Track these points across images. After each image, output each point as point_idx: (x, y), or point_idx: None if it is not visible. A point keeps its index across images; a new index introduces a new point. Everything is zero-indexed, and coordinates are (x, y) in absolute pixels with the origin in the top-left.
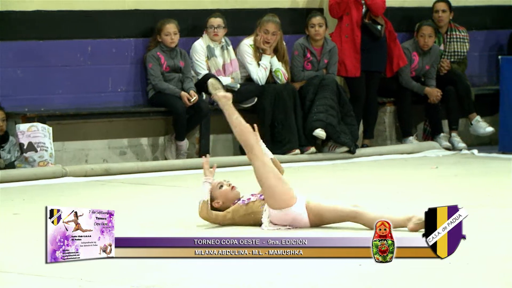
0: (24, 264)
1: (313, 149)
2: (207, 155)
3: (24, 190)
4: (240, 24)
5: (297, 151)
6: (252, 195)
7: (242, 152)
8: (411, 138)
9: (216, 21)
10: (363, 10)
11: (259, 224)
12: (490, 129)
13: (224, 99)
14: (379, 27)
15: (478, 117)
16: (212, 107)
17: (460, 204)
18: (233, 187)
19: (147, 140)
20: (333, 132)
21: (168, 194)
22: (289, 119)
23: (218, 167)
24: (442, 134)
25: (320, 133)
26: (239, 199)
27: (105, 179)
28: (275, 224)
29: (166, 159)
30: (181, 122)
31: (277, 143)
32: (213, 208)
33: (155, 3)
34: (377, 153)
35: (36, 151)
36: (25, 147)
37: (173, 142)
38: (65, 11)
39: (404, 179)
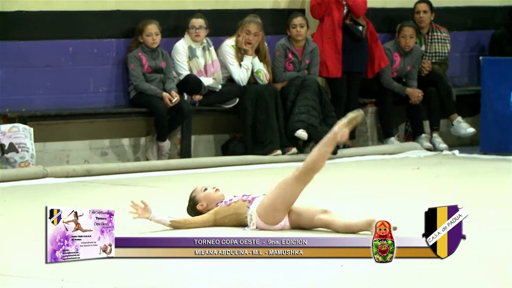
0: (14, 264)
1: (294, 149)
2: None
3: (5, 191)
4: (221, 24)
5: (279, 151)
6: (234, 196)
7: (223, 153)
8: (392, 138)
9: (198, 21)
10: (345, 11)
11: (242, 224)
12: (471, 130)
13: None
14: (360, 28)
15: (459, 118)
16: (193, 108)
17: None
18: (217, 189)
19: (128, 141)
20: (314, 132)
21: (149, 195)
22: (270, 120)
23: (199, 168)
24: (423, 135)
25: (301, 133)
26: (221, 202)
27: (86, 180)
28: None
29: (147, 159)
30: (163, 122)
31: (259, 144)
32: (196, 212)
33: (136, 4)
34: (359, 154)
35: (17, 152)
36: (6, 147)
37: (154, 143)
38: (46, 12)
39: (386, 179)
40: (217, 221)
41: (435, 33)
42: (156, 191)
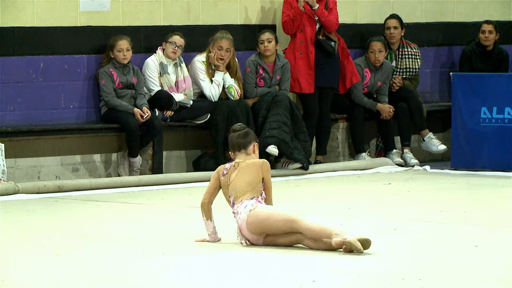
0: None
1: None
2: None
3: None
4: (192, 40)
5: None
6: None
7: (195, 168)
8: (363, 154)
9: (180, 40)
10: (317, 26)
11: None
12: (442, 147)
13: None
14: (333, 43)
15: (430, 134)
16: (165, 124)
17: (413, 220)
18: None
19: (100, 157)
20: (286, 148)
21: (121, 211)
22: None
23: (171, 183)
24: (394, 150)
25: (273, 149)
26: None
27: (58, 196)
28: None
29: (119, 175)
30: (134, 138)
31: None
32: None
33: (107, 20)
34: (330, 169)
35: None
36: None
37: (126, 159)
38: (16, 27)
39: (357, 195)
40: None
41: (405, 49)
42: (128, 207)
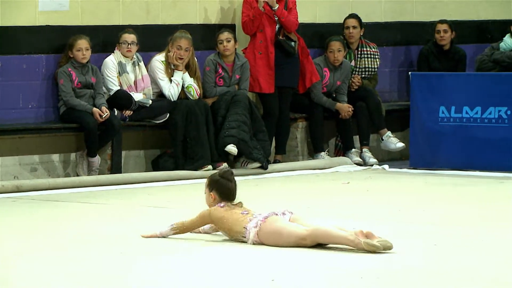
0: None
1: (225, 164)
2: None
3: None
4: (151, 40)
5: (209, 167)
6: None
7: (154, 168)
8: (322, 153)
9: (130, 37)
10: (277, 27)
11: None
12: (400, 144)
13: None
14: (293, 43)
15: (389, 133)
16: (124, 123)
17: (371, 219)
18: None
19: (58, 157)
20: (245, 148)
21: (80, 210)
22: (201, 135)
23: (130, 183)
24: (353, 150)
25: (232, 149)
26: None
27: (16, 196)
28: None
29: (78, 175)
30: (93, 138)
31: (189, 159)
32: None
33: (66, 19)
34: (289, 169)
35: None
36: None
37: (84, 159)
38: None
39: (316, 194)
40: (212, 220)
41: (364, 49)
42: (87, 206)
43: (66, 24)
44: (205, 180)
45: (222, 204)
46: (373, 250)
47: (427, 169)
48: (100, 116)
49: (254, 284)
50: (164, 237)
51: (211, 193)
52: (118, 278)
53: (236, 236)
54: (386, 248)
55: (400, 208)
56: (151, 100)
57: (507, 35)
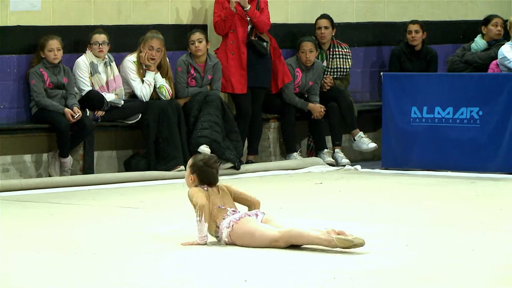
0: None
1: (207, 149)
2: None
3: None
4: (123, 40)
5: (182, 167)
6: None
7: (126, 168)
8: (295, 154)
9: (101, 37)
10: (249, 27)
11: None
12: (373, 145)
13: None
14: (265, 44)
15: (361, 133)
16: (96, 124)
17: (344, 220)
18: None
19: (30, 157)
20: (217, 148)
21: (52, 211)
22: (173, 136)
23: (102, 183)
24: (325, 150)
25: (204, 149)
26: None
27: None
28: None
29: (50, 176)
30: (65, 138)
31: (162, 160)
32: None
33: (38, 19)
34: (262, 169)
35: None
36: None
37: (57, 159)
38: None
39: (289, 194)
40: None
41: (336, 49)
42: (59, 207)
43: (37, 24)
44: (181, 181)
45: (206, 188)
46: (346, 245)
47: (399, 170)
48: (72, 116)
49: (226, 285)
50: (205, 236)
51: (191, 175)
52: (90, 280)
53: (209, 230)
54: (358, 243)
55: (372, 209)
56: (123, 100)
57: (478, 36)
